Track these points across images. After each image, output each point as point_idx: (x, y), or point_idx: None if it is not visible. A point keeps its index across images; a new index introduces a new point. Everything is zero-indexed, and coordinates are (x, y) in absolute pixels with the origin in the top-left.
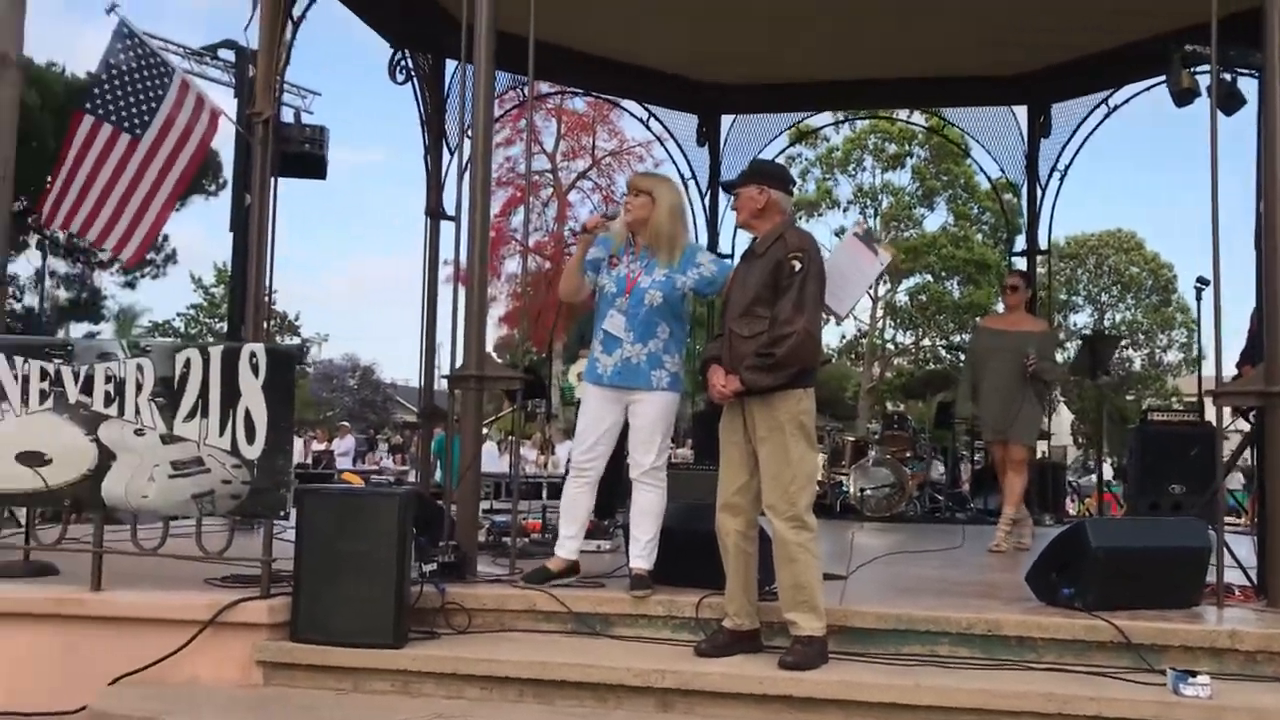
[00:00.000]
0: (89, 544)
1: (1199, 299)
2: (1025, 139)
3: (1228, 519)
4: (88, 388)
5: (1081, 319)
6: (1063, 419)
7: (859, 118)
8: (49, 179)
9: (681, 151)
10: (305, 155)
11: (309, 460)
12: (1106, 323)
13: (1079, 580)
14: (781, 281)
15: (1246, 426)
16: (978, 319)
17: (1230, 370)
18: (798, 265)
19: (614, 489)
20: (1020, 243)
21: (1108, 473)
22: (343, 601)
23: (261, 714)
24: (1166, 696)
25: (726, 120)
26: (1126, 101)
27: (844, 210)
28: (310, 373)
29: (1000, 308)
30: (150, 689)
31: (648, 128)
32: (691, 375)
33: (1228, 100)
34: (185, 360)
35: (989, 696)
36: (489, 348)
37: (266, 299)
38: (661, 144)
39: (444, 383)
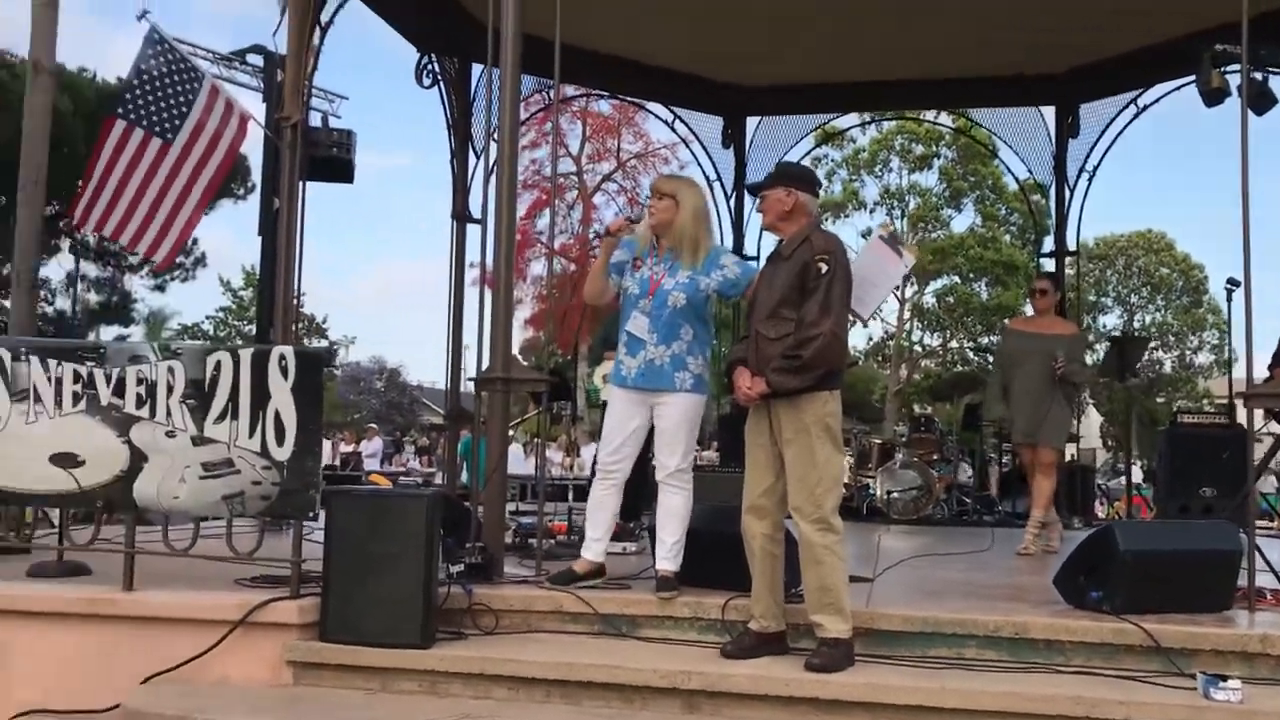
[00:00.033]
0: (121, 545)
1: (1229, 300)
2: (1053, 139)
3: (1259, 522)
4: (120, 390)
5: (1111, 320)
6: (1092, 421)
7: (885, 119)
8: (80, 183)
9: (706, 153)
10: (333, 159)
11: (337, 462)
12: (1136, 324)
13: (1107, 583)
14: (808, 284)
15: (1279, 429)
16: (1006, 321)
17: (1262, 372)
18: (824, 267)
19: (640, 491)
20: (1048, 244)
21: (1137, 475)
22: (372, 602)
23: (292, 713)
24: (1197, 701)
25: (752, 122)
26: (1156, 101)
27: (870, 212)
28: (338, 375)
29: (1029, 310)
30: (182, 688)
31: (673, 130)
32: (717, 377)
33: (1258, 100)
34: (216, 363)
35: (1016, 699)
36: (514, 350)
37: (295, 302)
38: (687, 146)
39: (470, 385)
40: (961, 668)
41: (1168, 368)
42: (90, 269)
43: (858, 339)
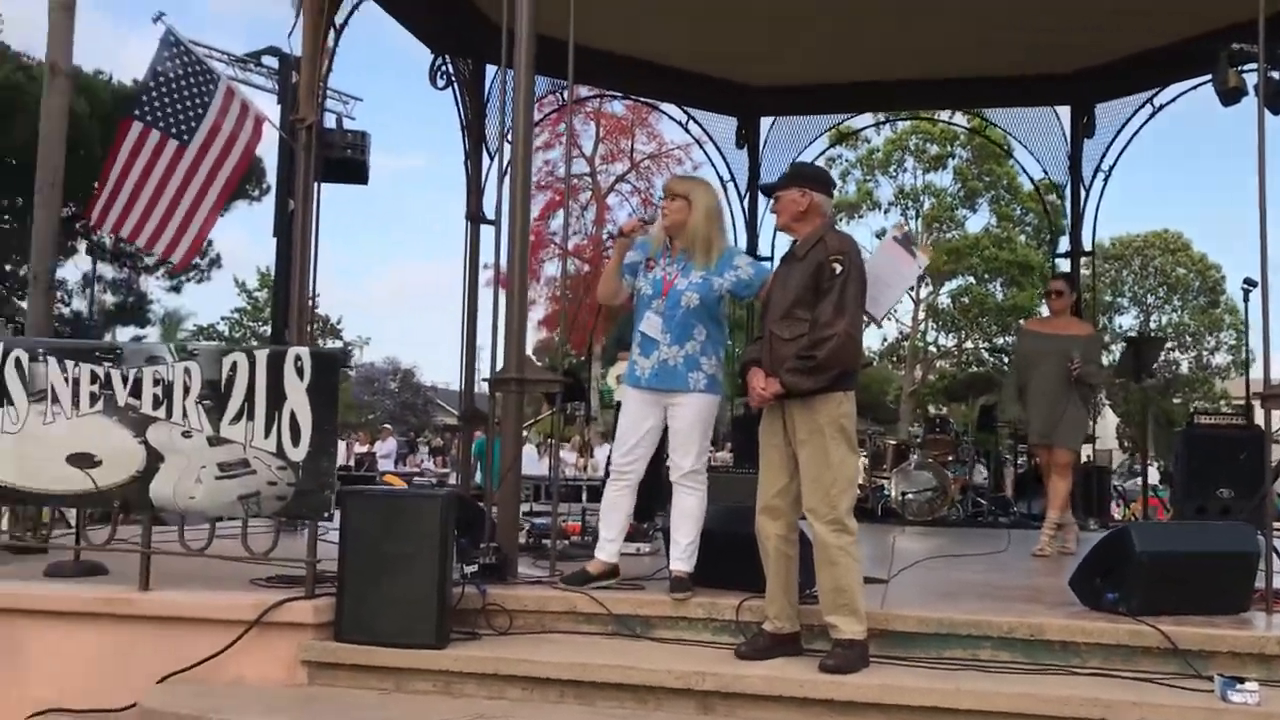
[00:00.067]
0: (137, 544)
1: (1247, 300)
2: (1069, 139)
3: (1277, 524)
4: (136, 390)
5: (1127, 321)
6: (1108, 422)
7: (900, 119)
8: (96, 185)
9: (720, 154)
10: (347, 160)
11: (351, 462)
12: (1152, 325)
13: (1123, 585)
14: (822, 284)
15: None
16: (1021, 321)
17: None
18: (839, 268)
19: (654, 492)
20: (1064, 244)
21: (1154, 477)
22: (386, 602)
23: (307, 712)
24: (1214, 703)
25: (766, 122)
26: (1172, 101)
27: (885, 212)
28: (352, 376)
29: (1044, 310)
30: (197, 687)
31: (686, 130)
32: (731, 378)
33: (1275, 99)
34: (232, 363)
35: (1032, 701)
36: (528, 351)
37: (309, 303)
38: (700, 146)
39: (484, 386)
40: (976, 669)
41: (1184, 368)
42: (107, 270)
43: (872, 340)
